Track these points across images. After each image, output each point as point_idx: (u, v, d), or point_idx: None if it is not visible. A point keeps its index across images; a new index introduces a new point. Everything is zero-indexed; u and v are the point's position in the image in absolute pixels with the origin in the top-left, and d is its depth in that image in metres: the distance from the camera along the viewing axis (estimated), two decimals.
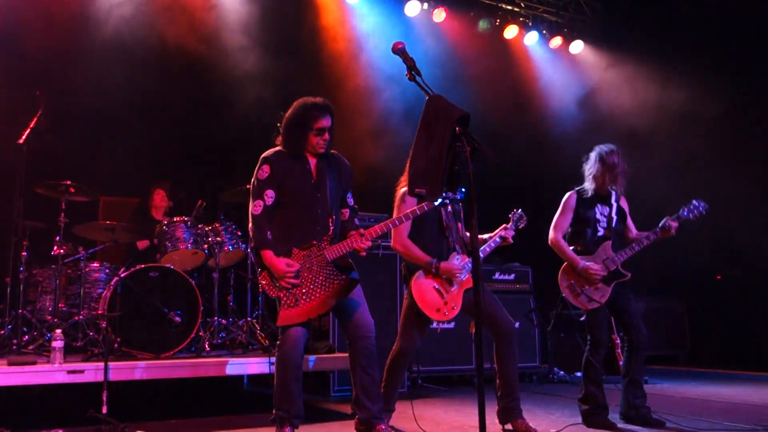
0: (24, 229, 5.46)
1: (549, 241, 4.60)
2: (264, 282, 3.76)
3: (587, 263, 4.45)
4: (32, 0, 6.31)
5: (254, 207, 3.78)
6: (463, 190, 4.18)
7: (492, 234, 4.47)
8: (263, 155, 3.88)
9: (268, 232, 3.75)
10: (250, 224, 3.79)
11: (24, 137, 5.28)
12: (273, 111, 5.69)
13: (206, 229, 5.78)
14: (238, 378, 6.85)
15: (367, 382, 3.83)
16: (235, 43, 7.27)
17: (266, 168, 3.81)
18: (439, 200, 3.70)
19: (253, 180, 3.86)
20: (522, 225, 4.53)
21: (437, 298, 4.19)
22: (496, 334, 4.20)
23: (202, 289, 5.60)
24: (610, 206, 4.61)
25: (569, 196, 4.64)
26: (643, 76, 8.63)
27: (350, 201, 4.04)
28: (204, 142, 7.18)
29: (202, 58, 7.10)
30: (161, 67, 6.91)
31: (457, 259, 4.25)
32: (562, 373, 7.25)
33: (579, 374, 6.96)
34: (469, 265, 4.24)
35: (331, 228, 3.83)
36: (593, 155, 4.62)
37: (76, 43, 6.58)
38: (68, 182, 5.37)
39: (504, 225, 4.47)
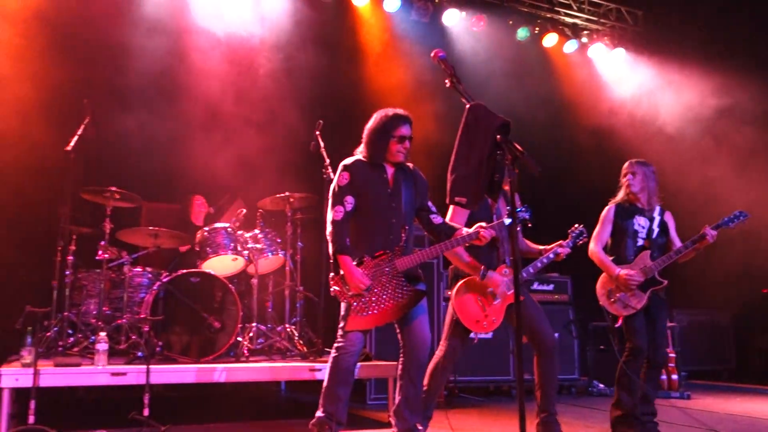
0: (71, 233, 5.59)
1: (589, 253, 4.64)
2: (336, 287, 3.79)
3: (623, 270, 4.47)
4: (84, 9, 6.46)
5: (335, 213, 3.81)
6: (525, 207, 4.21)
7: (547, 248, 4.43)
8: (343, 162, 3.96)
9: (347, 239, 3.80)
10: (330, 229, 3.81)
11: (72, 144, 5.41)
12: (312, 120, 5.77)
13: (246, 235, 5.85)
14: (276, 384, 6.92)
15: (412, 394, 3.85)
16: (278, 51, 7.36)
17: (346, 175, 3.87)
18: (510, 220, 3.71)
19: (333, 186, 3.92)
20: (581, 242, 4.51)
21: (478, 310, 4.19)
22: (537, 348, 4.19)
23: (242, 295, 5.67)
24: (651, 219, 4.63)
25: (608, 209, 4.71)
26: (688, 81, 8.47)
27: (433, 207, 4.08)
28: (246, 149, 7.27)
29: (248, 66, 7.18)
30: (205, 74, 7.00)
31: (506, 272, 4.24)
32: (602, 386, 7.12)
33: None
34: None
35: (403, 238, 3.85)
36: (638, 170, 4.63)
37: (123, 51, 6.72)
38: (113, 188, 5.49)
39: (560, 241, 4.43)
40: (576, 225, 4.55)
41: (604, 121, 8.83)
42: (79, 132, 5.53)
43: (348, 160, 3.97)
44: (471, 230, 3.85)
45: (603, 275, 4.62)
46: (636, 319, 4.46)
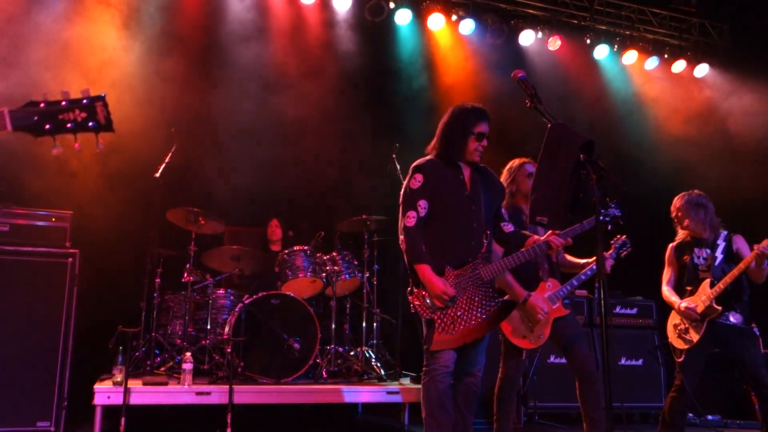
0: (158, 257, 5.82)
1: (663, 296, 4.67)
2: (417, 302, 3.44)
3: (684, 302, 4.45)
4: (172, 41, 6.77)
5: (407, 219, 3.47)
6: (615, 203, 4.00)
7: (589, 261, 4.27)
8: (415, 164, 3.62)
9: (423, 246, 3.44)
10: (402, 237, 3.48)
11: (160, 171, 5.66)
12: (389, 143, 5.82)
13: (324, 258, 5.93)
14: (353, 406, 6.93)
15: (458, 422, 3.53)
16: (355, 77, 7.47)
17: (419, 177, 3.53)
18: (601, 218, 3.52)
19: (404, 189, 3.58)
20: (625, 253, 4.33)
21: (524, 326, 4.07)
22: (576, 371, 3.98)
23: (320, 317, 5.73)
24: (713, 247, 4.54)
25: (667, 250, 4.71)
26: None
27: (505, 215, 3.84)
28: (323, 173, 7.39)
29: (330, 89, 7.32)
30: (286, 100, 7.16)
31: (549, 286, 4.11)
32: (690, 415, 6.76)
33: (710, 417, 6.54)
34: (560, 293, 4.10)
35: (485, 244, 3.52)
36: (681, 207, 4.61)
37: (205, 81, 6.98)
38: (198, 210, 5.69)
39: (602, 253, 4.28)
40: (619, 235, 4.36)
41: (688, 138, 8.51)
42: (167, 159, 5.78)
43: (420, 161, 3.62)
44: (542, 240, 3.61)
45: (671, 313, 4.62)
46: (691, 355, 4.40)
